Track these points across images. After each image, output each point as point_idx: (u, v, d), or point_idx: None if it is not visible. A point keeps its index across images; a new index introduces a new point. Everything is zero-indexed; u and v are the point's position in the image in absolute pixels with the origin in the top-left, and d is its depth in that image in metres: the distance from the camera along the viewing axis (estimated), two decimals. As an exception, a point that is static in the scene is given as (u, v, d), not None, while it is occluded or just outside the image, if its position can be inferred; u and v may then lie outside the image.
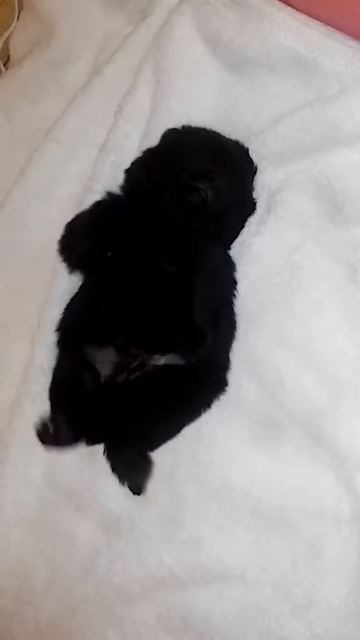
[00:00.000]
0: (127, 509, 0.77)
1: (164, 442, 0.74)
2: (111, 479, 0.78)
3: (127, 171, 0.78)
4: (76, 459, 0.79)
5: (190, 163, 0.73)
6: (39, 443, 0.78)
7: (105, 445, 0.74)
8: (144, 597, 0.74)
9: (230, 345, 0.75)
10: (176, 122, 0.80)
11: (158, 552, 0.75)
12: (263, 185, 0.79)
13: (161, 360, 0.72)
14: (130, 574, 0.75)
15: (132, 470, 0.73)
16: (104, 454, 0.74)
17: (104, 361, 0.73)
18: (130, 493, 0.77)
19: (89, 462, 0.79)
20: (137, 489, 0.73)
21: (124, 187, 0.77)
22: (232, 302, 0.75)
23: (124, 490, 0.77)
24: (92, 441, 0.74)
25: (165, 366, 0.72)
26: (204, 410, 0.74)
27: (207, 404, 0.74)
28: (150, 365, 0.72)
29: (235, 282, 0.76)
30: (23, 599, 0.77)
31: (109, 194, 0.76)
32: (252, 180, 0.79)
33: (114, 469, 0.74)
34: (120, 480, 0.73)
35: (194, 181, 0.71)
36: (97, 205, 0.77)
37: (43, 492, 0.80)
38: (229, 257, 0.77)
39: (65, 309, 0.78)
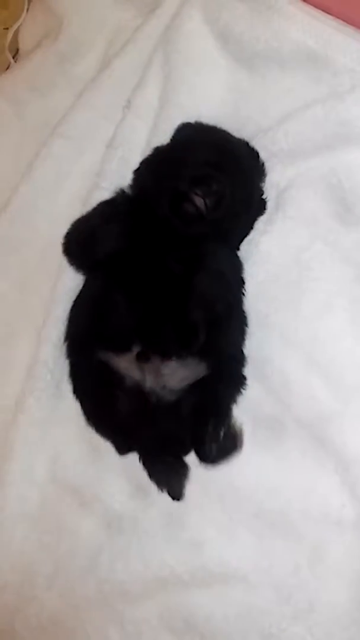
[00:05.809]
0: (131, 507, 0.77)
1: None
2: (115, 477, 0.78)
3: (135, 172, 0.77)
4: (80, 456, 0.79)
5: (189, 168, 0.69)
6: (44, 439, 0.79)
7: (141, 452, 0.73)
8: (145, 597, 0.74)
9: (243, 341, 0.73)
10: (185, 117, 0.79)
11: (160, 552, 0.75)
12: (272, 183, 0.77)
13: (178, 365, 0.70)
14: (132, 573, 0.75)
15: (171, 476, 0.72)
16: (140, 461, 0.73)
17: (128, 368, 0.70)
18: (134, 492, 0.77)
19: (93, 459, 0.79)
20: (176, 495, 0.72)
21: (131, 188, 0.75)
22: (241, 301, 0.74)
23: (127, 489, 0.78)
24: (126, 449, 0.73)
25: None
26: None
27: (233, 400, 0.73)
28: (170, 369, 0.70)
29: (243, 282, 0.75)
30: (25, 595, 0.77)
31: (120, 191, 0.74)
32: (261, 181, 0.77)
33: (152, 475, 0.72)
34: (159, 487, 0.72)
35: (191, 188, 0.67)
36: (104, 204, 0.75)
37: (47, 489, 0.80)
38: (237, 257, 0.75)
39: (71, 313, 0.75)
